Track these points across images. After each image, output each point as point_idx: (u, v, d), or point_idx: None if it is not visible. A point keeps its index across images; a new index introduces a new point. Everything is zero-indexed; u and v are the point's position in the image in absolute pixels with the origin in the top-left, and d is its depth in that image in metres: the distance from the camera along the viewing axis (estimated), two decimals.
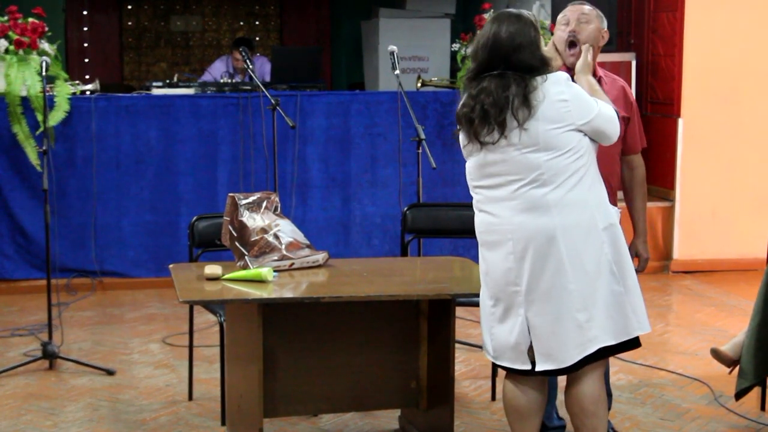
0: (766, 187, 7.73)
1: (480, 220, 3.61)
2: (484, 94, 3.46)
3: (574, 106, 3.45)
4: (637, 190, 4.21)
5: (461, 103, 3.57)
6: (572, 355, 3.49)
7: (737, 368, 4.48)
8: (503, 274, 3.53)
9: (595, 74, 4.02)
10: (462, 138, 3.59)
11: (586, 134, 3.50)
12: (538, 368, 3.54)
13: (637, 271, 4.14)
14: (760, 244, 5.72)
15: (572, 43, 3.94)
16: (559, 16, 4.04)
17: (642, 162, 4.24)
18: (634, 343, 3.60)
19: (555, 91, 3.44)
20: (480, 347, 5.05)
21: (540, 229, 3.44)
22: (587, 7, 4.02)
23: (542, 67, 3.48)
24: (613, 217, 3.58)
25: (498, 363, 3.66)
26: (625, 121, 4.02)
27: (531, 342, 3.53)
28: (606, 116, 3.53)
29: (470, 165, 3.60)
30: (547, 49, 3.63)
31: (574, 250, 3.44)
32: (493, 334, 3.61)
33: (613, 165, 4.05)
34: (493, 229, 3.54)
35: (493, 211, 3.53)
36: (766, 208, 7.64)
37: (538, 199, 3.44)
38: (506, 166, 3.47)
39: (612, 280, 3.50)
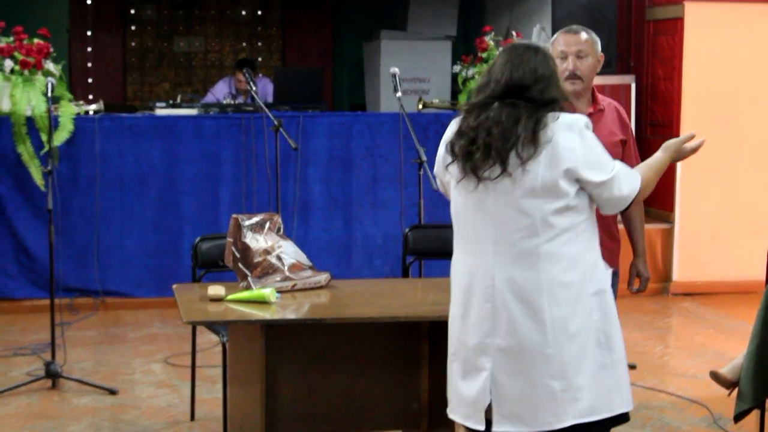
0: (766, 209, 7.76)
1: (457, 260, 3.33)
2: (492, 123, 3.14)
3: (582, 158, 3.12)
4: (635, 211, 4.17)
5: (455, 132, 3.25)
6: (549, 422, 3.17)
7: (736, 390, 4.50)
8: (478, 324, 3.23)
9: (594, 98, 4.04)
10: (456, 172, 3.27)
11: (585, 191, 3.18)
12: (495, 429, 3.21)
13: (639, 291, 4.17)
14: (760, 267, 5.72)
15: (572, 75, 3.90)
16: (555, 45, 3.95)
17: None
18: (620, 418, 3.31)
19: (565, 136, 3.12)
20: None
21: (526, 281, 3.14)
22: (583, 36, 3.94)
23: (562, 99, 3.19)
24: (604, 282, 3.24)
25: (451, 416, 3.37)
26: (621, 144, 4.03)
27: (491, 401, 3.21)
28: (620, 190, 3.18)
29: (460, 203, 3.30)
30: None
31: (559, 312, 3.13)
32: (451, 384, 3.37)
33: None
34: (472, 271, 3.24)
35: (474, 254, 3.24)
36: (765, 230, 7.66)
37: (529, 249, 3.13)
38: (500, 208, 3.16)
39: (598, 351, 3.19)
